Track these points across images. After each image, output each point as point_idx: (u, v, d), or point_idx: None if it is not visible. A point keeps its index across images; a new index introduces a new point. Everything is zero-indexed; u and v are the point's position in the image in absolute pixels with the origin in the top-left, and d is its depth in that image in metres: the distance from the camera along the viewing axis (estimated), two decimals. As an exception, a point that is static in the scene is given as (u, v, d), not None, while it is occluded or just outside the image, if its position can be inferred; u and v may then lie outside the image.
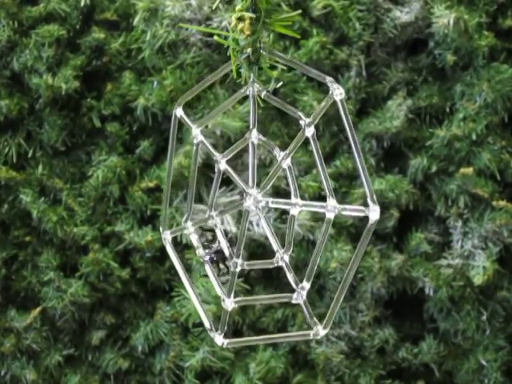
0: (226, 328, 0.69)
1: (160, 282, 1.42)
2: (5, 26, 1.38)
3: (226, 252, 0.71)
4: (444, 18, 1.38)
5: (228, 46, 0.65)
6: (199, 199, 1.42)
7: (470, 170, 1.39)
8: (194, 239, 0.73)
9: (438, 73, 1.44)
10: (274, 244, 0.69)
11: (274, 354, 1.39)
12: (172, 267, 1.42)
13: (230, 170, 0.69)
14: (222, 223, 1.38)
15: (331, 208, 0.62)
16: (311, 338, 0.67)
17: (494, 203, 1.39)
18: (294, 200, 0.68)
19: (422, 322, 1.45)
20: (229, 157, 0.71)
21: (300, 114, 0.65)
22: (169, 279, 1.42)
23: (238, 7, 0.63)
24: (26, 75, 1.39)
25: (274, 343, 1.41)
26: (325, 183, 0.63)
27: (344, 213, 0.62)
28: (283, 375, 1.40)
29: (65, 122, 1.40)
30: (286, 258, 0.69)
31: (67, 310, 1.39)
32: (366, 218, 0.61)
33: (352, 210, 0.62)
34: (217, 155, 0.71)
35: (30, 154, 1.41)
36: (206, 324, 0.71)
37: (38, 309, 1.40)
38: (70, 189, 1.41)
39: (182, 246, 1.41)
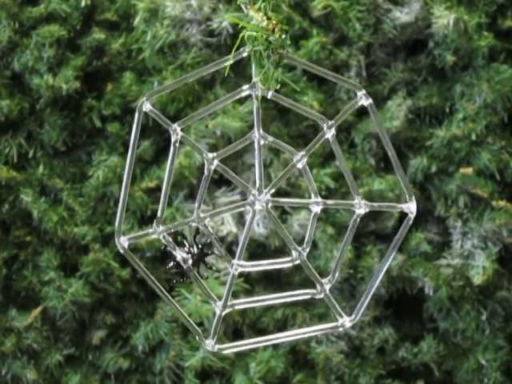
0: (216, 333, 0.68)
1: (160, 282, 1.42)
2: (5, 26, 1.38)
3: (216, 252, 0.70)
4: (444, 19, 1.38)
5: (227, 46, 0.65)
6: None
7: (469, 170, 1.39)
8: (167, 243, 0.71)
9: (437, 73, 1.44)
10: (290, 242, 0.70)
11: (274, 353, 1.39)
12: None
13: (228, 170, 0.68)
14: (222, 223, 1.38)
15: (361, 205, 0.64)
16: (339, 329, 0.69)
17: (494, 203, 1.39)
18: (316, 199, 0.68)
19: (421, 322, 1.46)
20: (223, 156, 0.71)
21: (321, 116, 0.66)
22: (169, 279, 1.42)
23: (257, 6, 0.63)
24: (27, 75, 1.39)
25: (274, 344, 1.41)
26: (349, 183, 0.64)
27: (376, 209, 0.65)
28: (283, 375, 1.40)
29: (65, 122, 1.41)
30: (305, 254, 0.70)
31: (68, 309, 1.39)
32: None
33: (386, 207, 0.65)
34: (208, 155, 0.71)
35: (30, 154, 1.41)
36: (194, 332, 0.70)
37: (39, 308, 1.40)
38: (70, 189, 1.41)
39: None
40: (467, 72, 1.42)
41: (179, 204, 1.40)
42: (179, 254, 0.69)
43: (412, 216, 0.63)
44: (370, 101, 0.64)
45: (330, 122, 0.66)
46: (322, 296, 0.70)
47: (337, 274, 0.70)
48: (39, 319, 1.40)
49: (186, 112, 1.40)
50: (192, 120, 0.71)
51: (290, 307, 1.41)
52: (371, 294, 0.70)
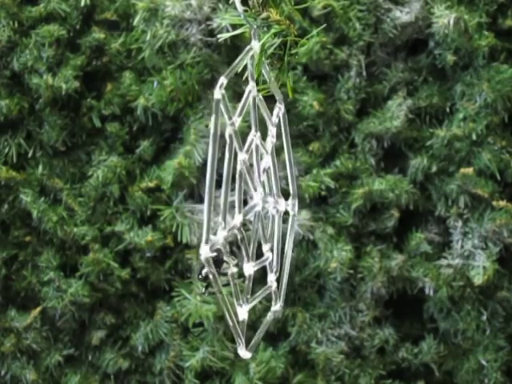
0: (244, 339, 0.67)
1: (160, 282, 1.42)
2: (5, 26, 1.38)
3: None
4: (444, 18, 1.38)
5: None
6: (200, 199, 1.42)
7: (470, 170, 1.39)
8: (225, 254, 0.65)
9: (437, 73, 1.44)
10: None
11: (274, 354, 1.39)
12: (172, 267, 1.42)
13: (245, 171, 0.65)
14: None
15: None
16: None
17: (494, 203, 1.39)
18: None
19: (421, 322, 1.45)
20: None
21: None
22: (169, 279, 1.42)
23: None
24: (26, 75, 1.39)
25: (274, 344, 1.41)
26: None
27: None
28: (283, 375, 1.40)
29: (65, 122, 1.40)
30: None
31: (67, 309, 1.39)
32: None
33: None
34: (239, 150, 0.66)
35: (30, 154, 1.41)
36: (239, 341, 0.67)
37: (38, 309, 1.40)
38: (70, 189, 1.41)
39: (182, 246, 1.41)
40: (467, 72, 1.42)
41: (179, 204, 1.39)
42: (229, 261, 0.66)
43: (295, 214, 0.60)
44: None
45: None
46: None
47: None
48: (39, 319, 1.40)
49: (186, 112, 1.40)
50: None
51: (290, 307, 1.41)
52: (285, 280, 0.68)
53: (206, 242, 0.59)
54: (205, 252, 0.59)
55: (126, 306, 1.43)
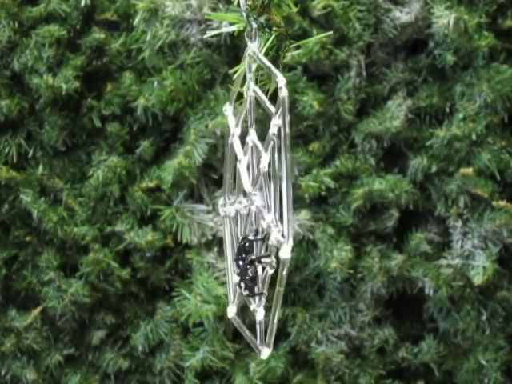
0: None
1: (160, 281, 1.42)
2: (5, 26, 1.38)
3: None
4: (444, 19, 1.38)
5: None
6: (200, 199, 1.42)
7: (469, 170, 1.39)
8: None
9: (437, 73, 1.44)
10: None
11: (274, 353, 1.39)
12: (172, 267, 1.42)
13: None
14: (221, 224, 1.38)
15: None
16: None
17: (494, 203, 1.39)
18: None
19: (421, 322, 1.46)
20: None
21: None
22: (169, 279, 1.42)
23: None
24: (27, 75, 1.39)
25: (274, 344, 1.41)
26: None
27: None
28: (283, 375, 1.40)
29: (65, 122, 1.41)
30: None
31: (67, 309, 1.39)
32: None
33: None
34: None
35: (30, 154, 1.41)
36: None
37: (39, 309, 1.40)
38: (70, 189, 1.41)
39: (182, 246, 1.41)
40: (467, 72, 1.42)
41: (179, 204, 1.40)
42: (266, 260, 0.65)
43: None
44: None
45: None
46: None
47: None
48: (39, 319, 1.40)
49: (186, 112, 1.40)
50: None
51: (290, 307, 1.41)
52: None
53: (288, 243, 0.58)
54: (285, 252, 0.58)
55: (126, 305, 1.43)
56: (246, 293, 0.65)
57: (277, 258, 0.61)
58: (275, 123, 0.61)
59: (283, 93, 0.60)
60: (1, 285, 1.41)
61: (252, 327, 1.48)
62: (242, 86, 0.67)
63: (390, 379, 1.43)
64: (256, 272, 0.63)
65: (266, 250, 0.63)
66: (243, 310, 1.42)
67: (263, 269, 0.64)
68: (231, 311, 0.70)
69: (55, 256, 1.40)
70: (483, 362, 1.42)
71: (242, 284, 0.64)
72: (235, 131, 0.67)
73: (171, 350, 1.41)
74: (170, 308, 1.41)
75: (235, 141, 0.67)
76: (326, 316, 1.42)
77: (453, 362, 1.44)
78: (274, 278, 0.64)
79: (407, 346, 1.43)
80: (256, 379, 1.38)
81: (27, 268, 1.41)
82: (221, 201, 0.71)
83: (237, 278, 0.65)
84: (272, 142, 0.62)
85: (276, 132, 0.62)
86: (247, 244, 0.64)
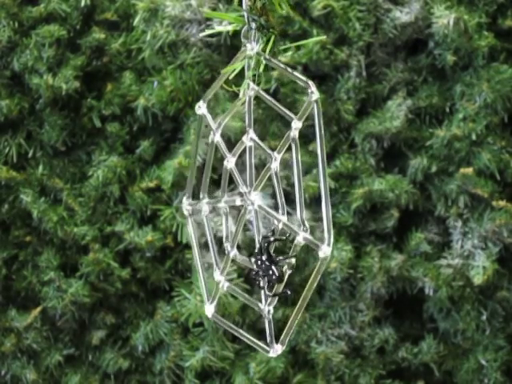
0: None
1: (160, 281, 1.42)
2: (5, 26, 1.38)
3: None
4: (444, 19, 1.38)
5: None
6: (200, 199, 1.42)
7: (469, 170, 1.39)
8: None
9: (437, 73, 1.44)
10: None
11: (274, 353, 1.39)
12: (172, 267, 1.42)
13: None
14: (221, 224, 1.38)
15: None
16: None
17: (494, 203, 1.39)
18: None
19: (421, 322, 1.46)
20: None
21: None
22: (169, 279, 1.42)
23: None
24: (27, 75, 1.39)
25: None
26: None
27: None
28: (283, 375, 1.40)
29: (65, 122, 1.41)
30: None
31: (67, 309, 1.39)
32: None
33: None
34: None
35: (30, 154, 1.41)
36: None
37: (39, 309, 1.40)
38: (70, 189, 1.41)
39: (182, 246, 1.41)
40: (467, 72, 1.42)
41: (179, 204, 1.40)
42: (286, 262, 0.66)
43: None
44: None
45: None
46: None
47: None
48: (39, 319, 1.40)
49: (186, 112, 1.40)
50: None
51: (291, 307, 1.41)
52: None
53: (328, 244, 0.59)
54: (325, 252, 0.59)
55: (126, 305, 1.43)
56: (270, 293, 0.65)
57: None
58: (296, 126, 0.61)
59: (315, 96, 0.59)
60: (1, 285, 1.41)
61: (252, 327, 1.48)
62: (236, 85, 0.67)
63: (389, 379, 1.43)
64: (282, 272, 0.64)
65: (289, 251, 0.64)
66: (243, 310, 1.43)
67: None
68: (209, 311, 0.70)
69: (55, 256, 1.40)
70: (483, 362, 1.42)
71: (264, 283, 0.64)
72: (217, 129, 0.67)
73: (171, 350, 1.41)
74: (170, 308, 1.41)
75: (218, 139, 0.67)
76: (326, 316, 1.42)
77: (453, 361, 1.44)
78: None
79: (407, 346, 1.43)
80: (256, 379, 1.38)
81: (27, 268, 1.41)
82: (184, 199, 0.71)
83: (261, 279, 0.65)
84: (293, 145, 0.62)
85: (297, 135, 0.62)
86: (266, 244, 0.64)
